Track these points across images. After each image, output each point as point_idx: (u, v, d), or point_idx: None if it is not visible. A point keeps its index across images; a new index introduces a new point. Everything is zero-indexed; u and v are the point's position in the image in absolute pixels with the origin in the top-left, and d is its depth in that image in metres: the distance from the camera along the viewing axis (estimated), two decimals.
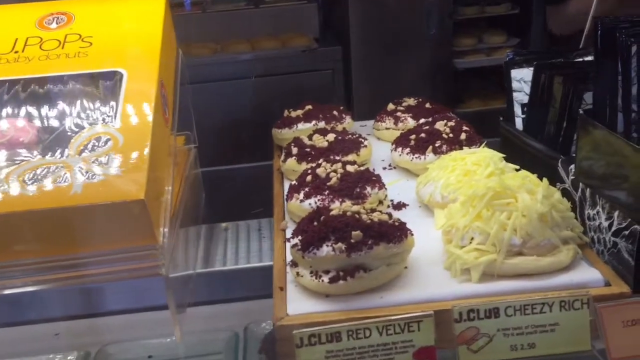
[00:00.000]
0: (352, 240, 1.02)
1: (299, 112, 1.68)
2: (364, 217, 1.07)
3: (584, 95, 1.36)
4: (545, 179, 1.15)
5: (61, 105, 1.14)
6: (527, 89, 1.58)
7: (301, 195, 1.26)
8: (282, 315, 1.00)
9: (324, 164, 1.32)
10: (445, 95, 3.36)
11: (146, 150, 1.05)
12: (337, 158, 1.40)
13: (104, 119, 1.11)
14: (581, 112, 1.25)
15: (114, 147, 1.06)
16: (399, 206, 1.35)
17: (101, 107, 1.13)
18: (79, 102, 1.14)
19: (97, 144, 1.06)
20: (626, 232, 1.13)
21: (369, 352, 0.95)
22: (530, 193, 1.11)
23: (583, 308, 0.98)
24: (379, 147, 1.64)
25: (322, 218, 1.08)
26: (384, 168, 1.54)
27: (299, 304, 1.03)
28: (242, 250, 1.65)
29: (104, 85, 1.16)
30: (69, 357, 1.65)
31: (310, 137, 1.50)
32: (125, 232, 1.01)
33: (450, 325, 0.97)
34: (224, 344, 1.67)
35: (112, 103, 1.13)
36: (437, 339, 0.97)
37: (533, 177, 1.18)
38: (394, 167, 1.54)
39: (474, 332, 0.97)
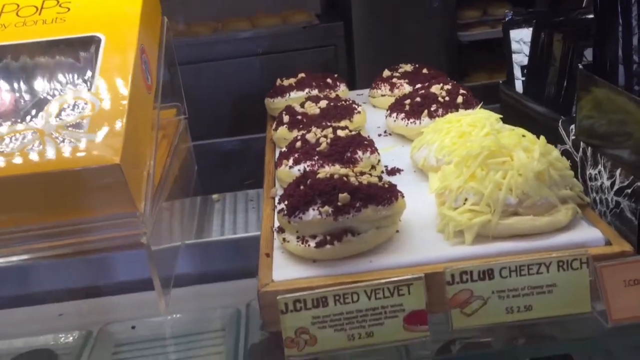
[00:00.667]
0: (339, 203, 0.98)
1: (292, 80, 1.63)
2: (352, 179, 1.02)
3: (585, 52, 1.31)
4: (542, 137, 1.10)
5: (38, 71, 1.11)
6: (527, 50, 1.53)
7: (290, 162, 1.21)
8: (267, 282, 0.96)
9: (314, 129, 1.28)
10: (450, 69, 3.28)
11: (123, 115, 1.01)
12: (330, 124, 1.35)
13: (80, 85, 1.07)
14: (581, 67, 1.20)
15: (90, 112, 1.02)
16: (393, 171, 1.30)
17: (78, 73, 1.09)
18: (56, 68, 1.10)
19: (72, 109, 1.03)
20: (629, 191, 1.08)
21: (358, 318, 0.91)
22: (526, 151, 1.06)
23: (582, 268, 0.93)
24: (374, 114, 1.59)
25: (308, 182, 1.04)
26: (379, 135, 1.49)
27: (284, 270, 0.99)
28: (240, 221, 1.62)
29: (81, 50, 1.12)
30: (71, 337, 1.64)
31: (302, 105, 1.46)
32: (103, 200, 0.98)
33: (443, 288, 0.93)
34: (226, 321, 1.65)
35: (90, 68, 1.09)
36: (429, 302, 0.92)
37: (530, 135, 1.12)
38: (390, 134, 1.49)
39: (467, 294, 0.93)
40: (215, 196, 1.56)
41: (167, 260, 1.19)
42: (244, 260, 1.49)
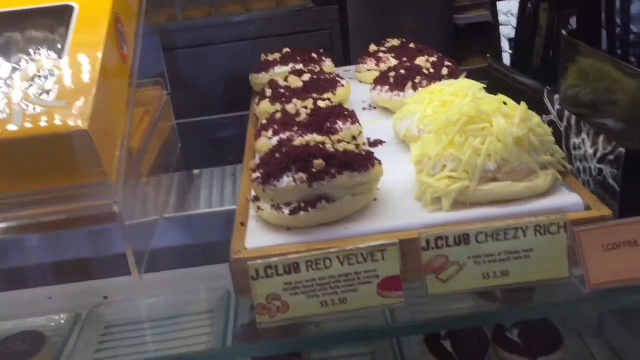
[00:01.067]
0: (314, 170, 0.96)
1: (277, 55, 1.61)
2: (329, 146, 1.01)
3: (571, 20, 1.29)
4: (523, 103, 1.08)
5: (9, 40, 1.09)
6: (515, 22, 1.51)
7: (270, 133, 1.20)
8: (239, 249, 0.95)
9: (295, 101, 1.26)
10: (446, 53, 3.26)
11: (94, 82, 0.99)
12: (312, 97, 1.33)
13: (52, 52, 1.05)
14: (564, 33, 1.18)
15: (60, 79, 1.00)
16: (376, 143, 1.28)
17: (50, 41, 1.07)
18: (27, 36, 1.08)
19: (42, 77, 1.01)
20: (611, 157, 1.06)
21: (330, 284, 0.90)
22: (507, 117, 1.03)
23: (560, 232, 0.91)
24: (360, 89, 1.57)
25: (284, 150, 1.02)
26: (364, 109, 1.47)
27: (259, 238, 0.97)
28: (227, 195, 1.60)
29: (54, 19, 1.10)
30: (60, 319, 1.64)
31: (285, 79, 1.44)
32: (74, 168, 0.96)
33: (418, 254, 0.91)
34: (215, 303, 1.64)
35: (62, 36, 1.07)
36: (405, 269, 0.91)
37: (512, 102, 1.10)
38: (374, 108, 1.47)
39: (442, 260, 0.91)
40: (196, 171, 1.54)
41: (144, 232, 1.18)
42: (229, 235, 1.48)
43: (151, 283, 1.53)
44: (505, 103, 1.10)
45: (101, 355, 1.63)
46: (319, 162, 0.96)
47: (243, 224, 1.02)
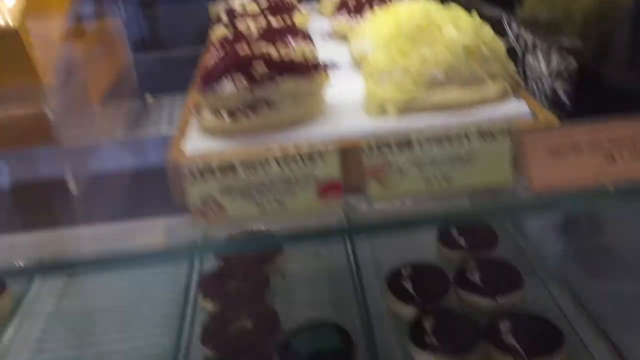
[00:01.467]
0: (255, 74, 0.93)
1: None
2: (273, 53, 0.97)
3: None
4: (475, 14, 1.05)
5: None
6: None
7: (218, 48, 1.16)
8: (177, 154, 0.92)
9: (247, 20, 1.22)
10: None
11: None
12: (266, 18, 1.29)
13: None
14: None
15: None
16: (331, 66, 1.24)
17: None
18: None
19: None
20: (564, 73, 1.04)
21: (268, 187, 0.87)
22: (457, 27, 1.01)
23: (505, 138, 0.89)
24: (320, 20, 1.53)
25: (226, 56, 0.99)
26: (322, 38, 1.43)
27: (198, 144, 0.94)
28: None
29: None
30: (22, 265, 1.61)
31: (242, 6, 1.40)
32: (5, 69, 0.92)
33: (360, 159, 0.88)
34: (180, 252, 1.62)
35: None
36: (346, 174, 0.88)
37: (465, 14, 1.07)
38: (333, 37, 1.44)
39: (384, 165, 0.88)
40: (149, 98, 1.51)
41: (88, 153, 1.14)
42: None
43: (116, 231, 1.49)
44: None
45: (63, 302, 1.61)
46: (260, 66, 0.93)
47: (183, 132, 0.99)
